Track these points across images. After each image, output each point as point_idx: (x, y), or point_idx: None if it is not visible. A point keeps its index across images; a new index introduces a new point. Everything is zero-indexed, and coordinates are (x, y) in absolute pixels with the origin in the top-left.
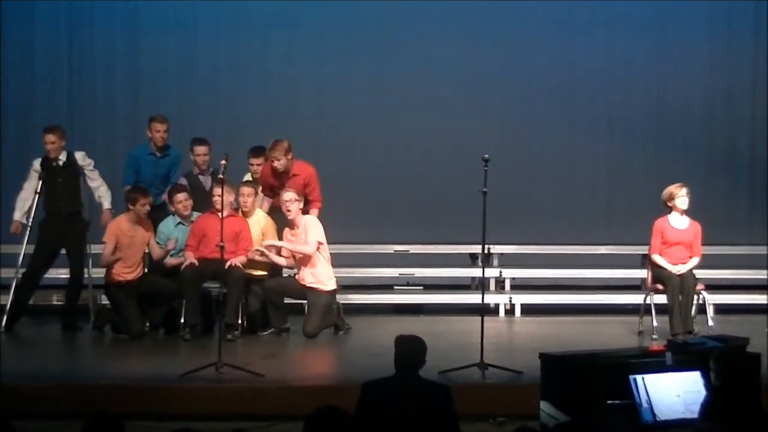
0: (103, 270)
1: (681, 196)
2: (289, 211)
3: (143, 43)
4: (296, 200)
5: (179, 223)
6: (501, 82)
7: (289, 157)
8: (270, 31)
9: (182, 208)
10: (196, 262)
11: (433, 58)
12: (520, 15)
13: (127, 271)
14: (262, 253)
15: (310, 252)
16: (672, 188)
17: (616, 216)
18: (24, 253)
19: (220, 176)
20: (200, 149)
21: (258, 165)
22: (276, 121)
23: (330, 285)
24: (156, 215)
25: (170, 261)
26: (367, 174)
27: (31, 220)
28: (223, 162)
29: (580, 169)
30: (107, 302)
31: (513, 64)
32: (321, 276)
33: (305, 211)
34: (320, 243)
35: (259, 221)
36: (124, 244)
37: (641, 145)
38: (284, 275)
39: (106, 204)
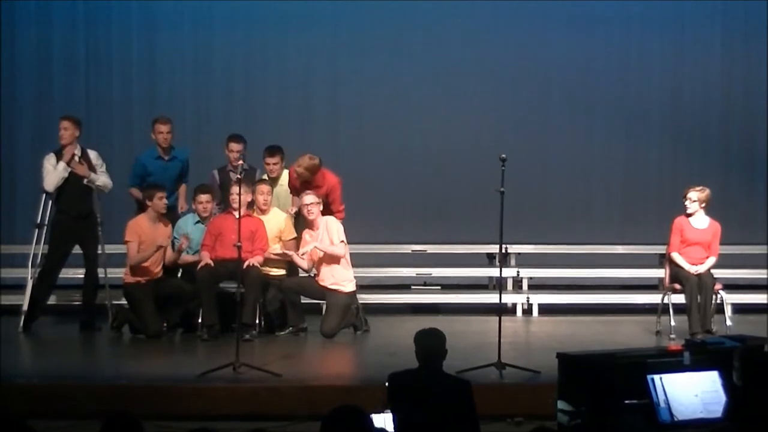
0: (120, 270)
1: (687, 199)
2: (310, 212)
3: (159, 41)
4: (317, 203)
5: (198, 222)
6: (516, 80)
7: (312, 177)
8: (286, 30)
9: (202, 209)
10: (212, 263)
11: (449, 57)
12: (536, 13)
13: (141, 273)
14: (284, 254)
15: (341, 253)
16: (687, 189)
17: (632, 215)
18: (36, 253)
19: (238, 176)
20: (234, 146)
21: (274, 164)
22: (292, 120)
23: (349, 287)
24: (168, 217)
25: (185, 258)
26: (383, 174)
27: (42, 217)
28: (240, 162)
29: (596, 168)
30: (125, 302)
31: (528, 62)
32: (340, 277)
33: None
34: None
35: (276, 219)
36: (145, 243)
37: (657, 144)
38: (303, 275)
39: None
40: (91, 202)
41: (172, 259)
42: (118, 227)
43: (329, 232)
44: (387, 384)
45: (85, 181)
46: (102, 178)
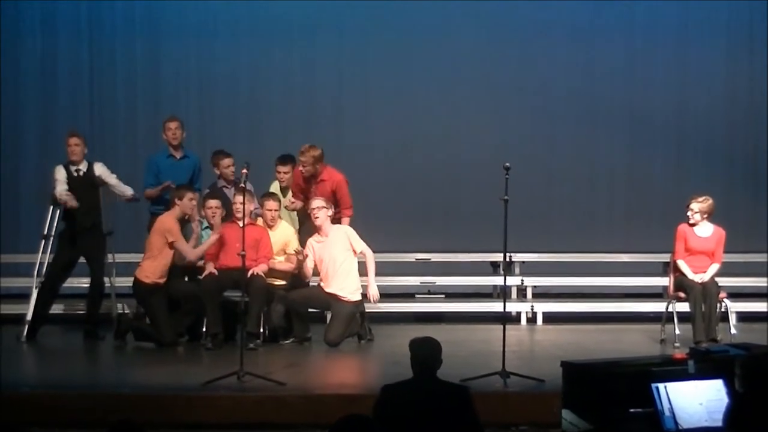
0: (127, 279)
1: (690, 210)
2: (316, 218)
3: (163, 48)
4: (323, 207)
5: (205, 227)
6: (521, 89)
7: (318, 166)
8: (290, 36)
9: (211, 214)
10: (216, 272)
11: (453, 65)
12: (540, 21)
13: (158, 273)
14: (288, 257)
15: (372, 254)
16: (690, 199)
17: (636, 224)
18: (41, 263)
19: (242, 185)
20: (227, 161)
21: (285, 173)
22: (296, 127)
23: (355, 296)
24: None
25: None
26: (387, 181)
27: (51, 229)
28: (245, 171)
29: (601, 176)
30: (128, 311)
31: (532, 70)
32: (347, 287)
33: (336, 220)
34: (355, 251)
35: (282, 233)
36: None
37: (661, 152)
38: (311, 284)
39: (129, 191)
40: (97, 215)
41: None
42: (123, 237)
43: (350, 241)
44: (379, 396)
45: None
46: (120, 187)
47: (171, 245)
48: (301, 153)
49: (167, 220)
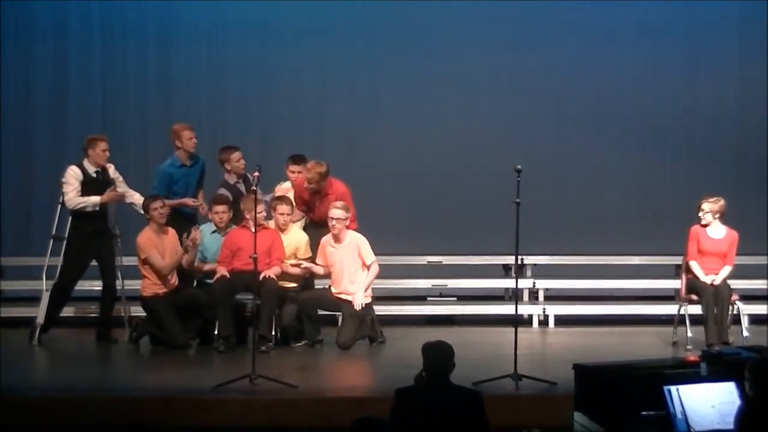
0: (137, 281)
1: (701, 210)
2: (334, 227)
3: (174, 53)
4: (342, 219)
5: (214, 231)
6: (531, 92)
7: (323, 182)
8: (300, 40)
9: (218, 219)
10: (228, 275)
11: (464, 68)
12: (550, 25)
13: (160, 283)
14: (299, 264)
15: (377, 270)
16: (701, 200)
17: (647, 226)
18: (49, 265)
19: (254, 188)
20: (237, 155)
21: (298, 173)
22: (306, 130)
23: (365, 299)
24: (189, 225)
25: (200, 265)
26: (399, 184)
27: (58, 229)
28: (256, 174)
29: (612, 179)
30: (144, 314)
31: (543, 73)
32: (357, 289)
33: None
34: (364, 263)
35: (294, 237)
36: (160, 254)
37: (673, 155)
38: (319, 287)
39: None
40: (106, 218)
41: (189, 260)
42: (131, 239)
43: (360, 252)
44: (394, 400)
45: (127, 201)
46: (136, 195)
47: (145, 261)
48: (307, 170)
49: (139, 238)
